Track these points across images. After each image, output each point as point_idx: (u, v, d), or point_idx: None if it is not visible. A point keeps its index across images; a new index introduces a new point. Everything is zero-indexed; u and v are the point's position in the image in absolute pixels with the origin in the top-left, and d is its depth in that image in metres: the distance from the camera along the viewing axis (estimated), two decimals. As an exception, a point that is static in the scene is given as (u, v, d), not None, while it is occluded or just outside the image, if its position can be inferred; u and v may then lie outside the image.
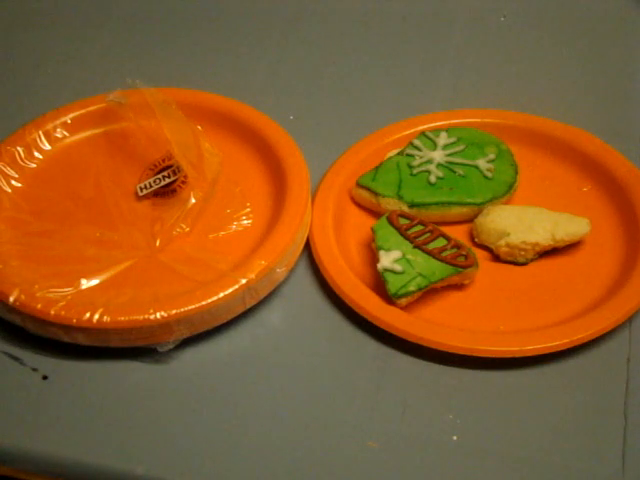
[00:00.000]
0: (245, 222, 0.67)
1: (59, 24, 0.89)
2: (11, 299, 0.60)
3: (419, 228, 0.64)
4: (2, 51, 0.86)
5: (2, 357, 0.62)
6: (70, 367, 0.61)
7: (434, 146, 0.70)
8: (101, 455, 0.57)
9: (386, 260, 0.62)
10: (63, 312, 0.59)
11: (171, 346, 0.60)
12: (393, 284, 0.61)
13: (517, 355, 0.59)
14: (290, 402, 0.59)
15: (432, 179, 0.68)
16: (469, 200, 0.67)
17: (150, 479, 0.56)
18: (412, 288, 0.60)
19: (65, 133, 0.73)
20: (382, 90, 0.81)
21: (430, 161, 0.69)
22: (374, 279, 0.64)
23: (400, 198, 0.68)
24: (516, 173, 0.69)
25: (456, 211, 0.67)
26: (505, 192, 0.68)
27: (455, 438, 0.57)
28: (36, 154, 0.72)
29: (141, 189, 0.68)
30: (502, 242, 0.64)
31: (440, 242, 0.63)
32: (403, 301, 0.61)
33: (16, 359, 0.62)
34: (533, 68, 0.82)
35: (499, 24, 0.86)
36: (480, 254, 0.65)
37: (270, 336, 0.63)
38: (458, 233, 0.67)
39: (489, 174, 0.68)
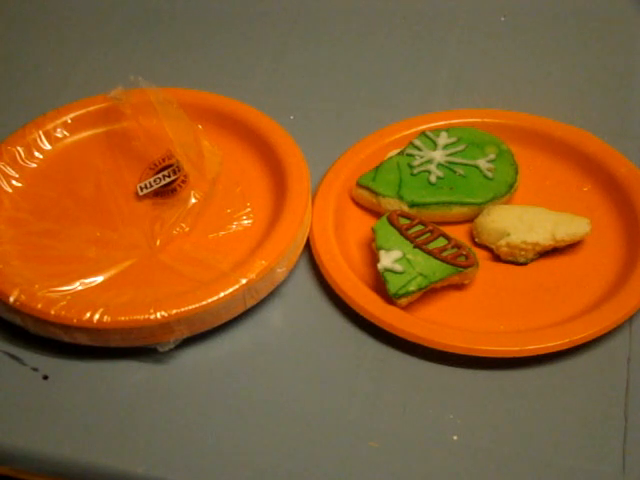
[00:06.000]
0: (245, 222, 0.67)
1: (59, 24, 0.89)
2: (11, 299, 0.60)
3: (419, 228, 0.64)
4: (2, 51, 0.87)
5: (2, 357, 0.62)
6: (70, 367, 0.61)
7: (434, 146, 0.70)
8: (101, 455, 0.57)
9: (386, 260, 0.62)
10: (63, 312, 0.59)
11: (171, 346, 0.60)
12: (393, 284, 0.61)
13: (517, 355, 0.59)
14: (290, 402, 0.59)
15: (432, 179, 0.68)
16: (469, 200, 0.67)
17: (150, 479, 0.56)
18: (412, 288, 0.60)
19: (65, 133, 0.73)
20: (382, 90, 0.81)
21: (430, 161, 0.69)
22: (374, 279, 0.64)
23: (400, 198, 0.68)
24: (516, 173, 0.69)
25: (456, 211, 0.67)
26: (505, 192, 0.68)
27: (455, 438, 0.57)
28: (36, 154, 0.72)
29: (141, 189, 0.68)
30: (502, 242, 0.64)
31: (440, 242, 0.63)
32: (403, 301, 0.61)
33: (16, 359, 0.62)
34: (533, 68, 0.82)
35: (499, 24, 0.86)
36: (480, 254, 0.65)
37: (270, 336, 0.63)
38: (458, 233, 0.67)
39: (489, 174, 0.68)
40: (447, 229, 0.65)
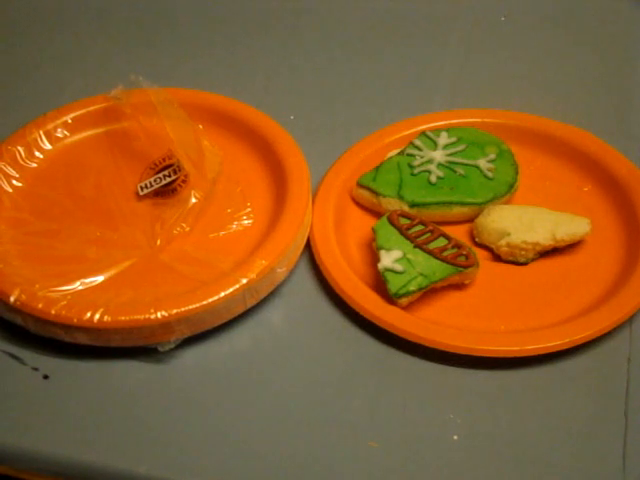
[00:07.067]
0: (246, 222, 0.67)
1: (60, 24, 0.89)
2: (12, 299, 0.60)
3: (420, 228, 0.64)
4: (2, 51, 0.87)
5: (3, 357, 0.62)
6: (70, 367, 0.61)
7: (435, 146, 0.70)
8: (101, 455, 0.57)
9: (387, 260, 0.62)
10: (64, 312, 0.59)
11: (172, 346, 0.60)
12: (394, 284, 0.61)
13: (517, 355, 0.59)
14: (290, 402, 0.59)
15: (433, 179, 0.68)
16: (470, 200, 0.67)
17: (151, 479, 0.56)
18: (413, 288, 0.60)
19: (66, 133, 0.73)
20: (382, 90, 0.81)
21: (431, 161, 0.69)
22: (375, 279, 0.64)
23: (401, 198, 0.68)
24: (517, 173, 0.69)
25: (457, 211, 0.67)
26: (506, 192, 0.68)
27: (455, 438, 0.57)
28: (37, 154, 0.72)
29: (142, 188, 0.68)
30: (503, 242, 0.64)
31: (441, 242, 0.63)
32: (404, 301, 0.61)
33: (17, 358, 0.62)
34: (533, 68, 0.82)
35: (499, 24, 0.86)
36: (481, 254, 0.65)
37: (270, 336, 0.63)
38: (459, 233, 0.67)
39: (490, 174, 0.68)
40: (447, 229, 0.65)
